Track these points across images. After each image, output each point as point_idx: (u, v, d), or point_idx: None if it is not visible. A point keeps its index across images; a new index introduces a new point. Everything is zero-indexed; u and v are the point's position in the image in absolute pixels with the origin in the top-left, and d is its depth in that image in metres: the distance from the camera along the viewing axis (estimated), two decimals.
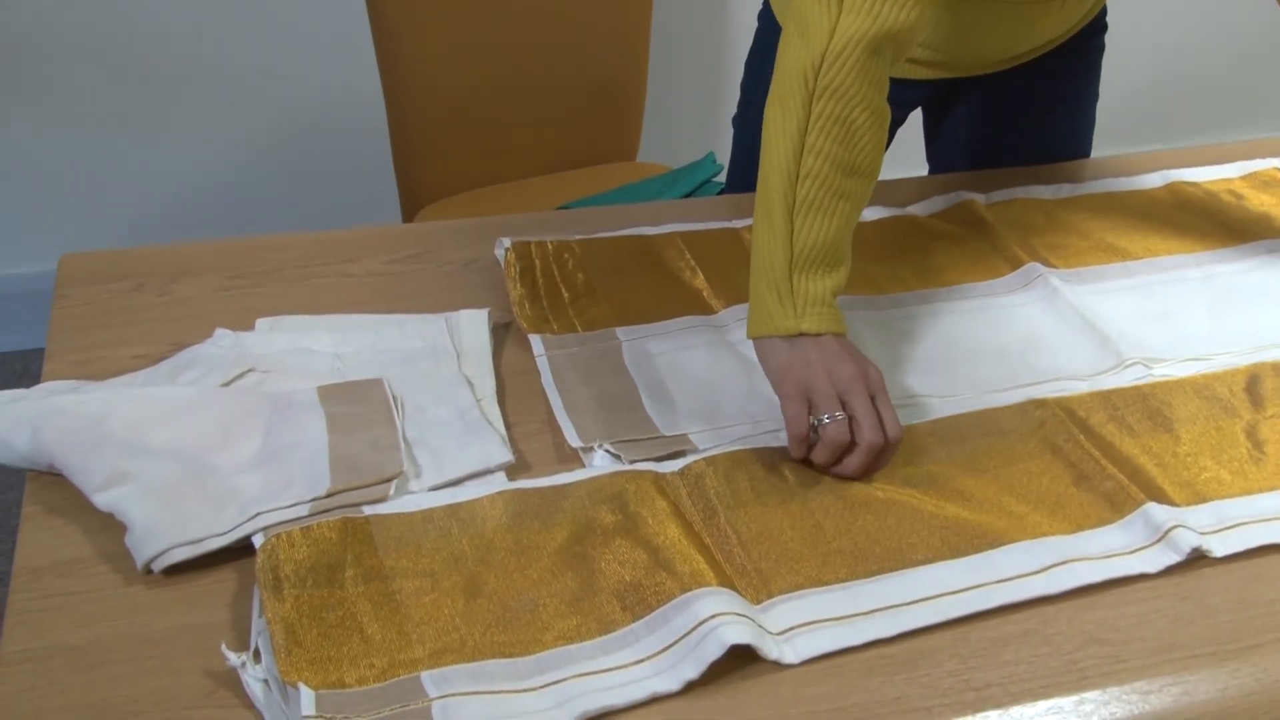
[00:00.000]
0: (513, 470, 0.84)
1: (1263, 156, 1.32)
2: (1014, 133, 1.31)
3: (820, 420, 0.83)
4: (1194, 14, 2.57)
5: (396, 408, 0.87)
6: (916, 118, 1.37)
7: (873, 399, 0.84)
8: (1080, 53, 1.26)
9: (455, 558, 0.74)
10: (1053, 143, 1.32)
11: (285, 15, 2.01)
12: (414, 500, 0.79)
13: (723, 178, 1.69)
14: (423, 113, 1.80)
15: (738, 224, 1.15)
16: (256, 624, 0.69)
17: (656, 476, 0.82)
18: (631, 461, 0.84)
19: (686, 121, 2.30)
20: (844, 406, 0.83)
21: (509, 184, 2.05)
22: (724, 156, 2.11)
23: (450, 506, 0.78)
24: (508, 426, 0.89)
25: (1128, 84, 2.57)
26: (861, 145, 0.88)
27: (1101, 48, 1.30)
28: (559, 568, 0.74)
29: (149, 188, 2.13)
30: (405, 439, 0.84)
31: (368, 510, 0.77)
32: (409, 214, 1.86)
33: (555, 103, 1.97)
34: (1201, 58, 2.64)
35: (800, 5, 0.88)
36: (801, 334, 0.85)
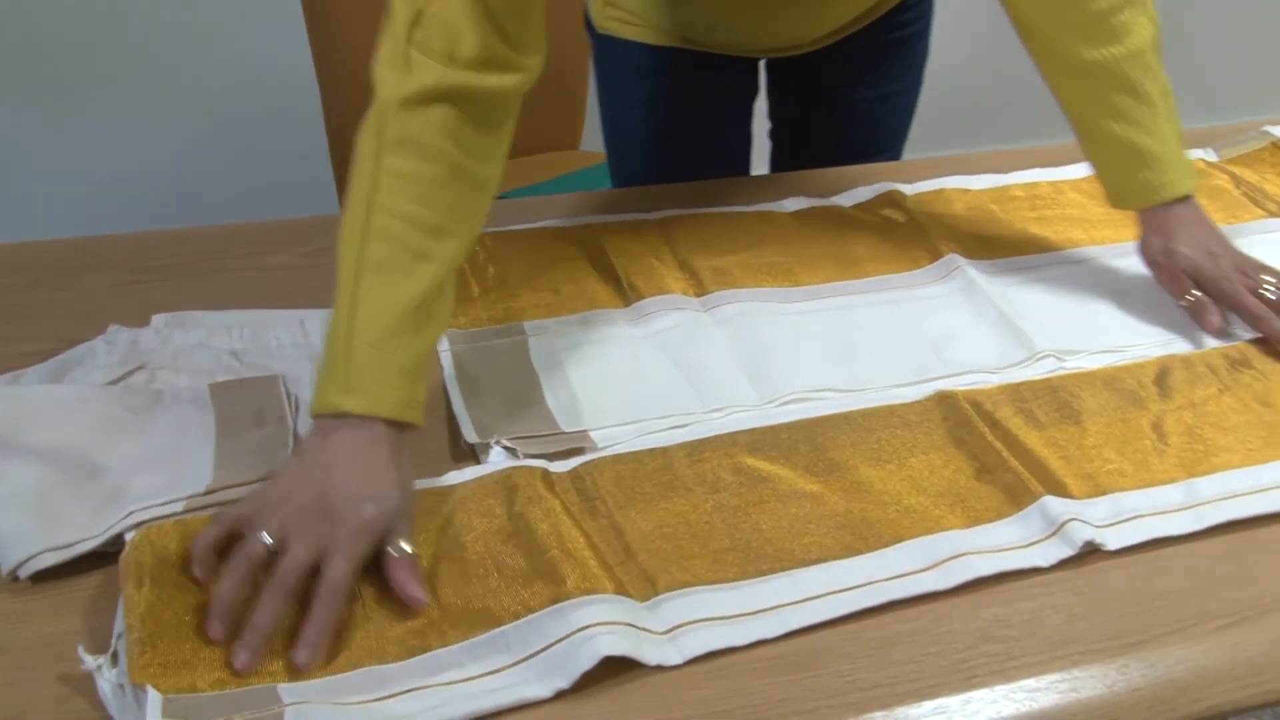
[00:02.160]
0: None
1: (1188, 148, 1.31)
2: (822, 120, 1.35)
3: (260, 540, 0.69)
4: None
5: (290, 406, 0.85)
6: None
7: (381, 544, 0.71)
8: (893, 36, 1.28)
9: None
10: (857, 129, 1.34)
11: (215, 1, 1.99)
12: None
13: None
14: (359, 101, 1.77)
15: (655, 215, 1.13)
16: (118, 625, 0.67)
17: (546, 474, 0.80)
18: (526, 457, 0.82)
19: None
20: (282, 540, 0.69)
21: None
22: None
23: None
24: None
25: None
26: (440, 204, 0.80)
27: (921, 33, 1.31)
28: (434, 570, 0.73)
29: (74, 179, 2.09)
30: (297, 437, 0.83)
31: None
32: None
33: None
34: None
35: (386, 44, 0.82)
36: (344, 414, 0.73)
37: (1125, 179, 1.02)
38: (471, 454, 0.84)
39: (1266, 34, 2.71)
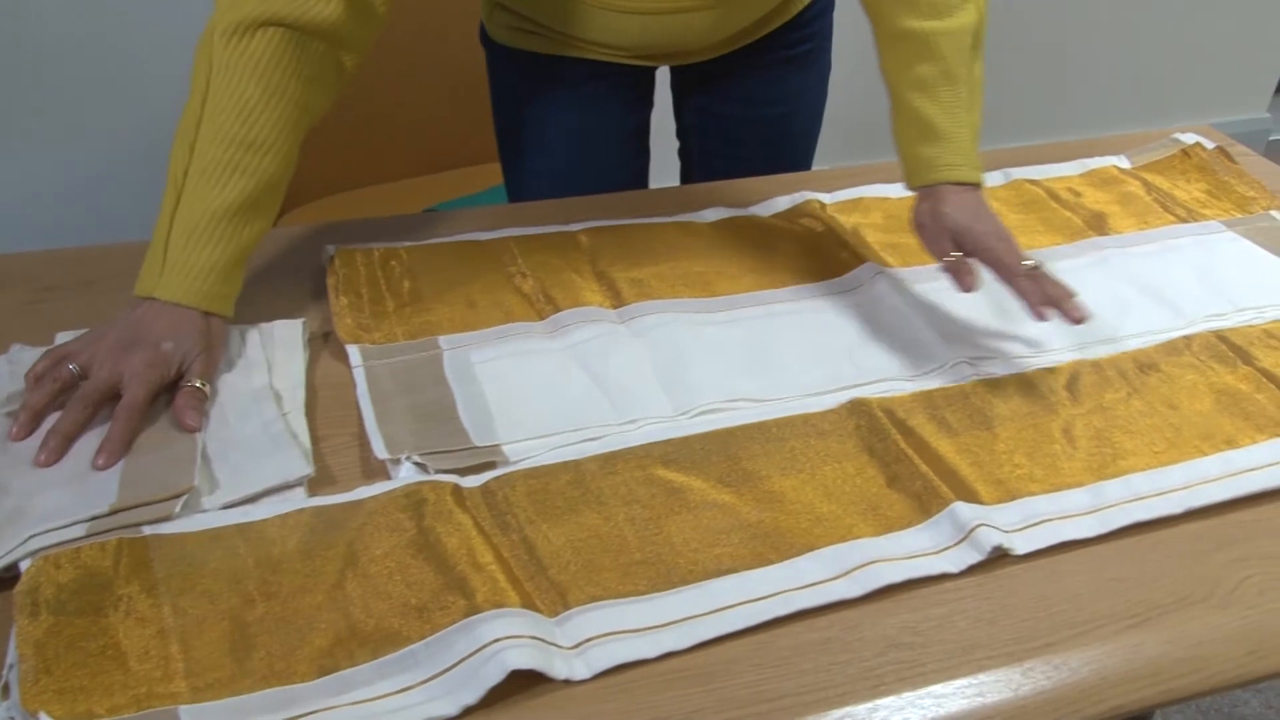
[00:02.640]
0: (315, 485, 0.82)
1: (1102, 154, 1.34)
2: (723, 135, 1.36)
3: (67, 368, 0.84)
4: (1032, 16, 2.61)
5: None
6: None
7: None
8: (790, 54, 1.29)
9: (237, 581, 0.72)
10: (759, 146, 1.36)
11: (131, 19, 1.96)
12: (200, 520, 0.76)
13: None
14: None
15: (574, 227, 1.13)
16: (10, 656, 0.66)
17: (456, 489, 0.80)
18: (436, 472, 0.82)
19: None
20: (87, 368, 0.85)
21: (380, 186, 2.03)
22: None
23: (239, 526, 0.76)
24: (316, 440, 0.86)
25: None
26: (260, 122, 0.89)
27: (816, 51, 1.32)
28: (343, 588, 0.72)
29: None
30: (205, 454, 0.82)
31: (148, 530, 0.74)
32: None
33: (423, 103, 1.94)
34: (1032, 56, 2.68)
35: None
36: (152, 298, 0.87)
37: (912, 152, 1.00)
38: (383, 471, 0.84)
39: (1175, 47, 2.76)
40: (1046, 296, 0.92)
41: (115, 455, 0.80)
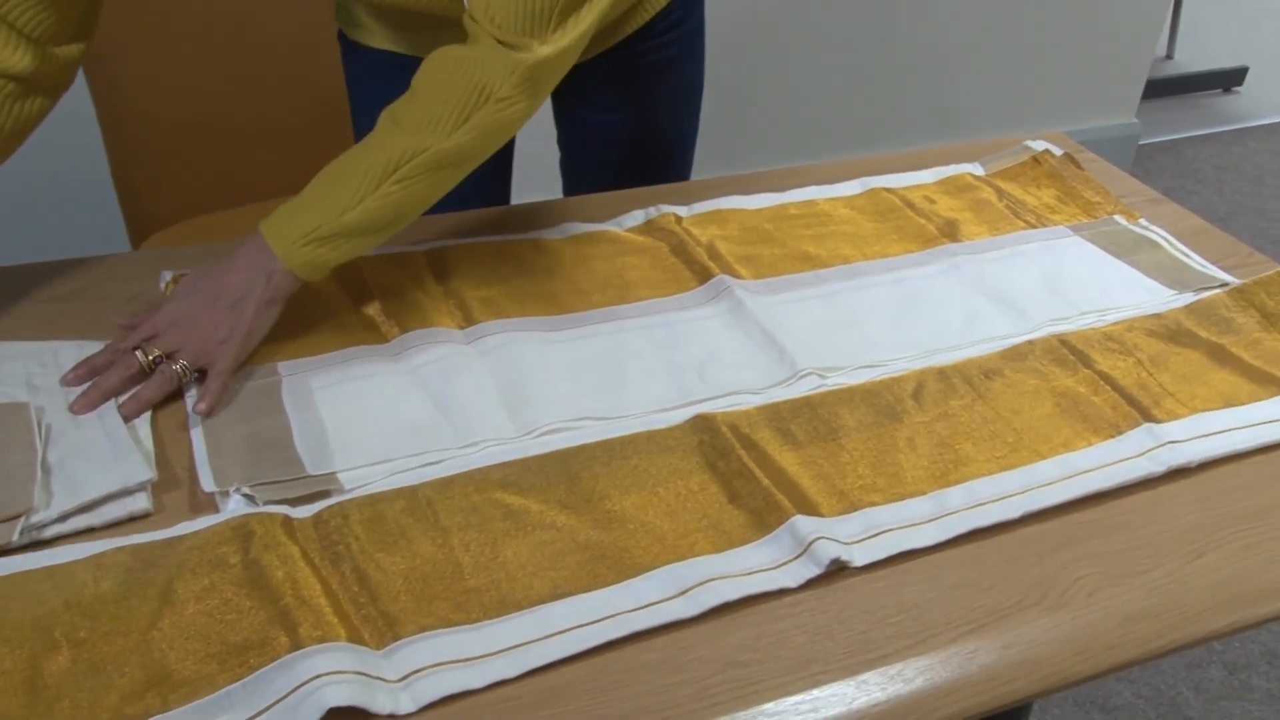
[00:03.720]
0: (138, 523, 0.79)
1: (958, 162, 1.36)
2: (592, 143, 1.35)
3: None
4: (891, 29, 2.65)
5: (39, 434, 0.81)
6: None
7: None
8: (647, 61, 1.28)
9: (42, 628, 0.69)
10: (630, 152, 1.35)
11: None
12: (6, 564, 0.73)
13: None
14: (141, 136, 1.71)
15: (423, 247, 1.11)
16: None
17: (287, 520, 0.77)
18: (265, 504, 0.79)
19: None
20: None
21: (252, 205, 1.98)
22: None
23: (48, 569, 0.72)
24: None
25: (827, 92, 2.65)
26: None
27: (677, 59, 1.30)
28: (158, 629, 0.69)
29: None
30: (45, 466, 0.79)
31: None
32: (136, 241, 1.77)
33: (292, 122, 1.90)
34: (895, 64, 2.73)
35: None
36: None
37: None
38: (212, 505, 0.81)
39: (1045, 54, 2.82)
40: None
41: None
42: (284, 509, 0.79)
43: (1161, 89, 3.65)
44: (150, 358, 0.90)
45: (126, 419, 0.87)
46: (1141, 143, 3.35)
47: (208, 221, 1.86)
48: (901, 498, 0.85)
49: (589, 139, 1.36)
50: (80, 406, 0.87)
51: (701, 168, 1.41)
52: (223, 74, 1.74)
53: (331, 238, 0.92)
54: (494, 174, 1.32)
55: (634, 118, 1.31)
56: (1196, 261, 1.17)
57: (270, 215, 0.94)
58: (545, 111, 1.42)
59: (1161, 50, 3.95)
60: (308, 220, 0.92)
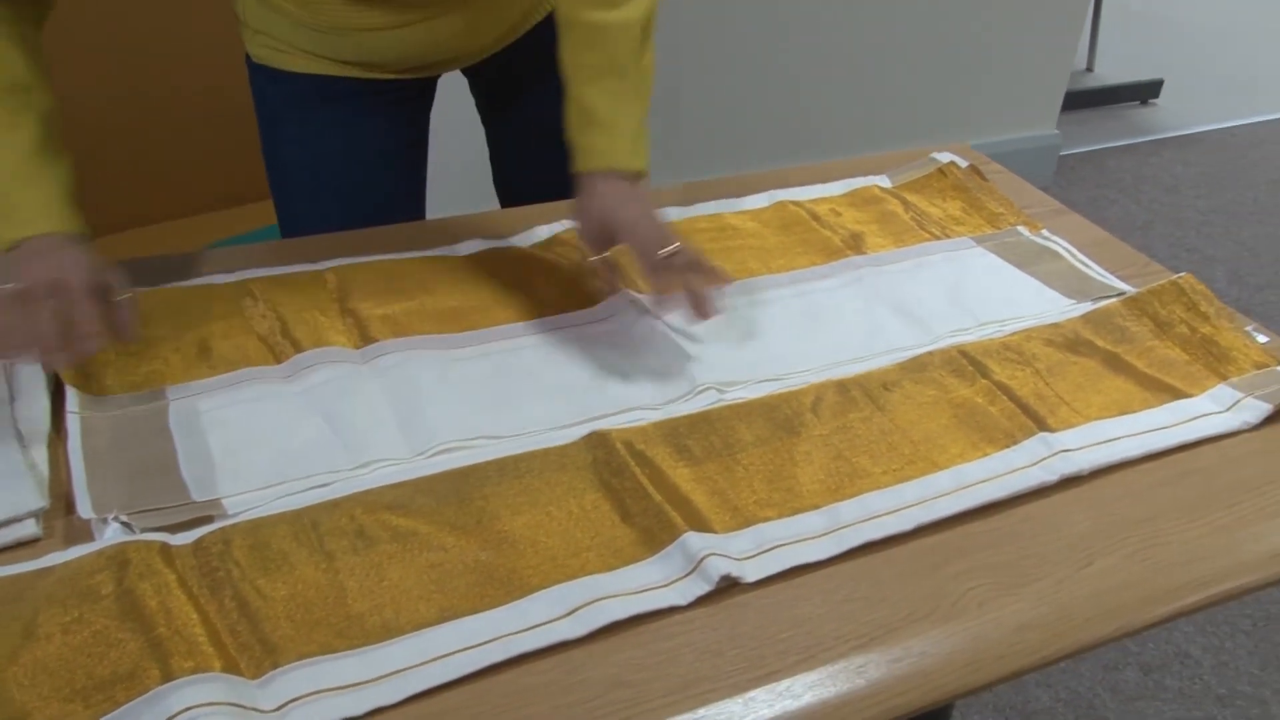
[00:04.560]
0: (3, 554, 0.76)
1: (866, 174, 1.36)
2: (527, 136, 1.35)
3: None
4: (806, 40, 2.68)
5: None
6: None
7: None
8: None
9: None
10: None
11: None
12: None
13: None
14: None
15: (323, 265, 1.10)
16: None
17: (165, 547, 0.76)
18: (143, 531, 0.77)
19: None
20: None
21: (166, 224, 1.96)
22: None
23: None
24: None
25: (745, 106, 2.66)
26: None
27: None
28: (17, 664, 0.67)
29: None
30: None
31: None
32: None
33: (203, 137, 1.88)
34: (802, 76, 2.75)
35: None
36: (20, 240, 0.90)
37: (576, 140, 1.02)
38: (89, 533, 0.79)
39: (966, 66, 2.86)
40: (688, 288, 0.94)
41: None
42: (163, 536, 0.77)
43: (1082, 101, 3.72)
44: None
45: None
46: (1063, 153, 3.40)
47: (121, 240, 1.83)
48: (796, 512, 0.85)
49: (514, 141, 1.36)
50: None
51: None
52: (127, 93, 1.72)
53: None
54: (408, 192, 1.31)
55: (551, 115, 1.30)
56: (1096, 271, 1.19)
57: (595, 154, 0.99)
58: (459, 124, 1.41)
59: (1082, 63, 4.02)
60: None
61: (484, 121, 1.39)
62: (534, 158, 1.35)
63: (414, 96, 1.27)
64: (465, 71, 1.29)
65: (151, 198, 1.90)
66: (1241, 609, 1.88)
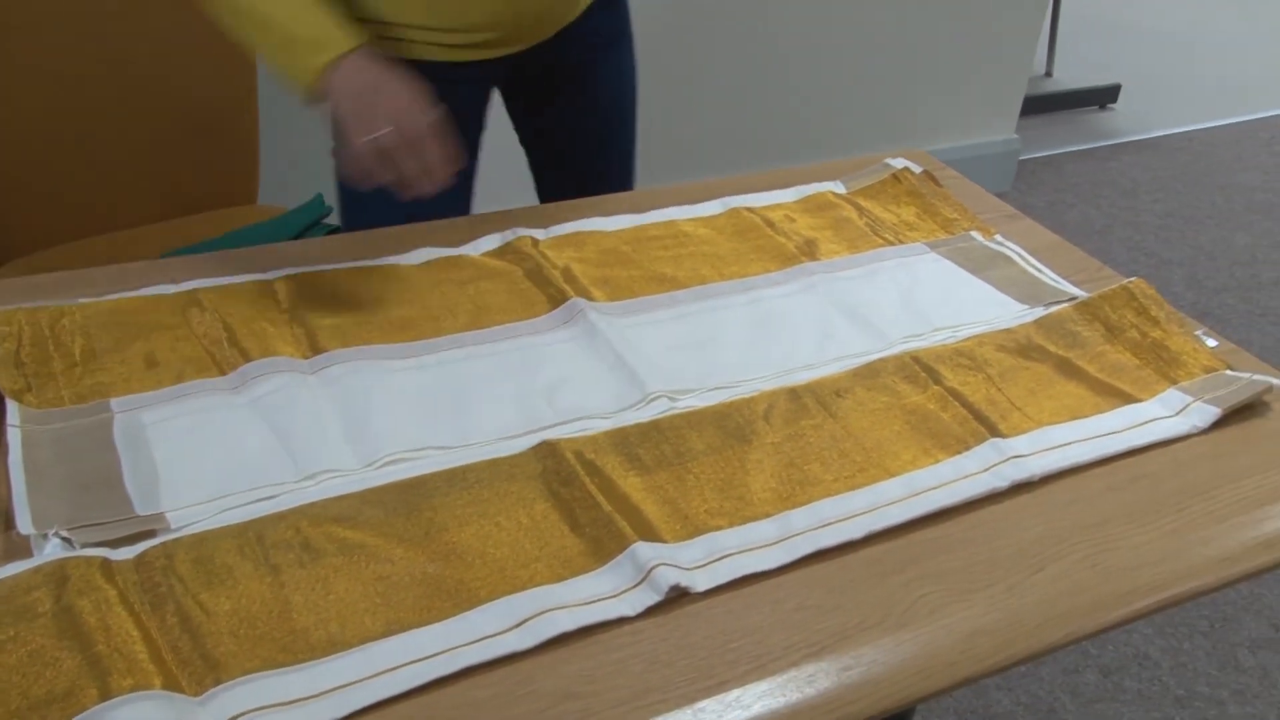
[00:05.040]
0: None
1: (821, 180, 1.37)
2: (570, 122, 1.41)
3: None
4: (760, 54, 2.68)
5: None
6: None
7: None
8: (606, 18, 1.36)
9: None
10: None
11: None
12: None
13: (335, 218, 1.63)
14: None
15: (271, 275, 1.08)
16: None
17: (106, 563, 0.74)
18: (83, 546, 0.76)
19: (309, 161, 2.22)
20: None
21: (122, 232, 1.93)
22: (332, 198, 2.05)
23: None
24: None
25: (707, 112, 2.66)
26: None
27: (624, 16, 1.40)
28: None
29: None
30: None
31: None
32: None
33: (161, 144, 1.86)
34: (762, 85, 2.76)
35: None
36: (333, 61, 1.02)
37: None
38: (27, 548, 0.77)
39: (925, 71, 2.88)
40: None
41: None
42: (104, 551, 0.76)
43: (1041, 105, 3.75)
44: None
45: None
46: (1022, 158, 3.43)
47: (76, 248, 1.80)
48: (746, 520, 0.84)
49: (550, 131, 1.42)
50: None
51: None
52: (83, 99, 1.70)
53: None
54: (464, 182, 1.37)
55: (592, 97, 1.39)
56: (1048, 276, 1.19)
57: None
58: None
59: (1041, 68, 4.05)
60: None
61: (518, 127, 1.45)
62: (570, 159, 1.44)
63: (483, 83, 1.32)
64: (516, 63, 1.31)
65: (111, 205, 1.87)
66: (1199, 610, 1.89)
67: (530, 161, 1.49)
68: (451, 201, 1.33)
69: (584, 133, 1.42)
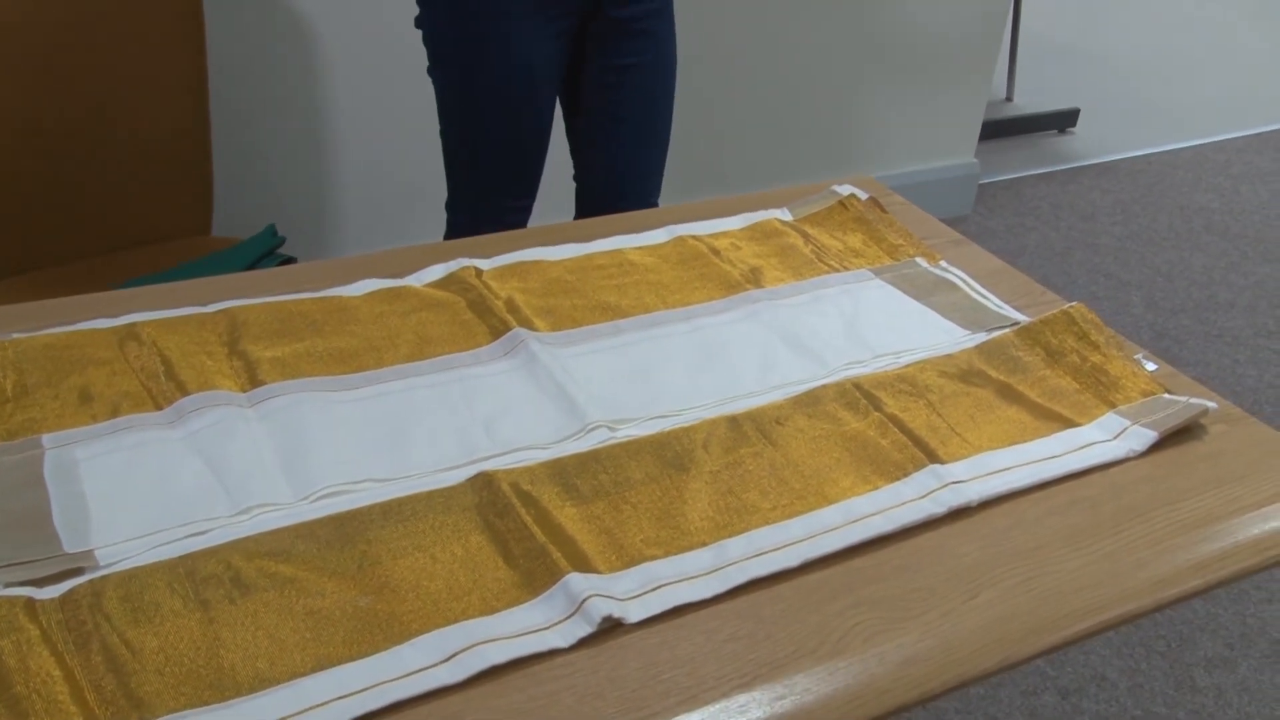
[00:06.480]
0: None
1: (767, 207, 1.37)
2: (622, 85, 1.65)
3: None
4: (723, 80, 2.70)
5: None
6: None
7: None
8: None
9: None
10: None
11: None
12: None
13: (287, 248, 1.63)
14: None
15: (212, 307, 1.08)
16: None
17: (30, 602, 0.74)
18: (8, 585, 0.75)
19: (263, 191, 2.22)
20: None
21: (74, 264, 1.92)
22: (286, 228, 2.05)
23: None
24: None
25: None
26: None
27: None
28: None
29: None
30: None
31: None
32: None
33: (113, 175, 1.86)
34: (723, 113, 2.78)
35: None
36: None
37: None
38: None
39: (885, 97, 2.91)
40: None
41: None
42: (29, 590, 0.75)
43: (1001, 130, 3.79)
44: None
45: None
46: (982, 182, 3.46)
47: (25, 281, 1.79)
48: (682, 550, 0.84)
49: (607, 92, 1.65)
50: None
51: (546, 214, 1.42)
52: (34, 129, 1.69)
53: None
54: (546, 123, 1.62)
55: (640, 64, 1.62)
56: (992, 302, 1.20)
57: None
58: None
59: (1000, 93, 4.09)
60: None
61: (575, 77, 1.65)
62: (610, 137, 1.67)
63: (572, 29, 1.55)
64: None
65: (64, 237, 1.86)
66: (1156, 630, 1.90)
67: (574, 154, 1.71)
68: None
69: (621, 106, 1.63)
